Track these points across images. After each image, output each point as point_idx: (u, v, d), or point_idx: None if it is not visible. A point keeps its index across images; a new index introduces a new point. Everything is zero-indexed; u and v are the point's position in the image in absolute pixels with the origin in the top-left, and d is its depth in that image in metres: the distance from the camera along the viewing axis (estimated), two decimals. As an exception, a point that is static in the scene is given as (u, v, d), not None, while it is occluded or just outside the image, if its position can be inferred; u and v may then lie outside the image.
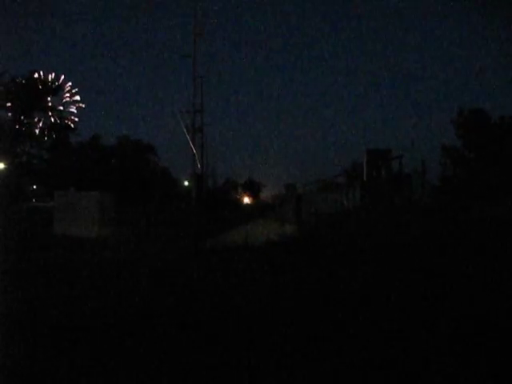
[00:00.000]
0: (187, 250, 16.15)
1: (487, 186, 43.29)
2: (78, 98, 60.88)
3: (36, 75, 55.74)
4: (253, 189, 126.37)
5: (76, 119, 60.78)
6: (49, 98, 57.22)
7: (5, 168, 52.65)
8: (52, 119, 57.48)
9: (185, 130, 50.35)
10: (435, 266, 10.41)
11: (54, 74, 58.06)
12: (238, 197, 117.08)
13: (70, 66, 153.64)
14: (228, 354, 5.84)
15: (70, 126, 59.26)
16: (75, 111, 60.62)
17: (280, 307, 7.78)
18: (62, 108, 59.16)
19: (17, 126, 53.72)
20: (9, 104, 53.09)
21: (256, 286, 9.16)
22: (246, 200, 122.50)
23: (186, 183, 69.01)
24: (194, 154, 51.00)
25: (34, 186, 61.12)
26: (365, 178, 32.84)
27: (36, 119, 56.17)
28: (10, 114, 54.17)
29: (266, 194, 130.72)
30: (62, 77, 59.33)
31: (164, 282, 10.03)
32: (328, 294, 8.51)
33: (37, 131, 56.25)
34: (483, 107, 58.63)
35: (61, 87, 58.33)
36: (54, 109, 57.58)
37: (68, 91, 59.80)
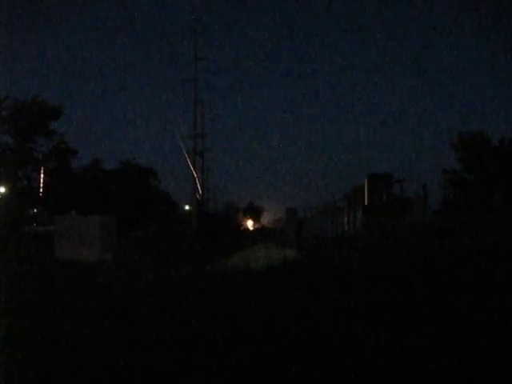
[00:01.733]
0: (188, 274, 16.12)
1: (488, 209, 43.31)
2: None
3: (38, 100, 55.92)
4: (254, 213, 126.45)
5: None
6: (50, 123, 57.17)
7: (6, 192, 52.76)
8: (53, 144, 57.39)
9: (186, 154, 50.82)
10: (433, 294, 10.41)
11: (56, 100, 58.21)
12: (239, 221, 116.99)
13: (72, 91, 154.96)
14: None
15: (70, 150, 59.09)
16: None
17: (278, 333, 7.76)
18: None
19: (18, 151, 53.86)
20: (11, 128, 53.33)
21: (254, 311, 9.14)
22: (249, 224, 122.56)
23: (187, 207, 69.18)
24: (195, 178, 51.34)
25: (35, 210, 61.16)
26: (366, 203, 32.88)
27: (37, 144, 56.31)
28: (12, 139, 54.36)
29: (267, 219, 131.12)
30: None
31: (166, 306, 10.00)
32: (327, 319, 8.49)
33: (38, 155, 56.38)
34: (483, 130, 58.89)
35: (62, 112, 58.09)
36: (55, 133, 57.54)
37: None
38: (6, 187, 52.62)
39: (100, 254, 23.57)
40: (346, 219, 33.65)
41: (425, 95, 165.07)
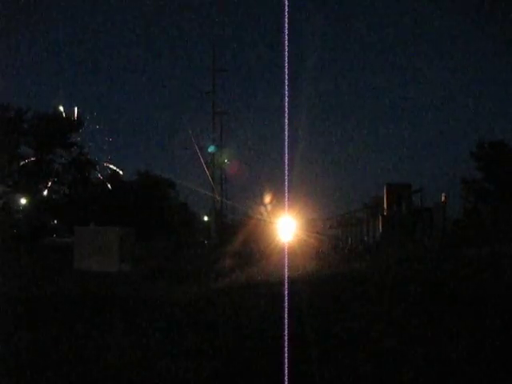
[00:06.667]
0: (209, 286, 16.05)
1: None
2: None
3: (59, 111, 56.22)
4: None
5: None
6: (70, 135, 57.32)
7: (27, 204, 53.20)
8: (73, 155, 57.56)
9: (204, 166, 50.85)
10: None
11: (77, 112, 58.18)
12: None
13: (91, 102, 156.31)
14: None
15: (90, 161, 59.23)
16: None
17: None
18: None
19: (39, 162, 54.21)
20: (31, 140, 53.72)
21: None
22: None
23: (206, 218, 68.99)
24: (213, 189, 51.35)
25: (55, 221, 61.44)
26: (385, 213, 32.56)
27: (57, 155, 56.60)
28: (32, 150, 54.67)
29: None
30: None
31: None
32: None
33: (58, 167, 56.69)
34: (503, 139, 58.06)
35: (82, 123, 58.09)
36: (75, 145, 57.76)
37: None
38: (26, 199, 53.03)
39: (119, 265, 23.63)
40: (365, 230, 33.38)
41: (443, 104, 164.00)
